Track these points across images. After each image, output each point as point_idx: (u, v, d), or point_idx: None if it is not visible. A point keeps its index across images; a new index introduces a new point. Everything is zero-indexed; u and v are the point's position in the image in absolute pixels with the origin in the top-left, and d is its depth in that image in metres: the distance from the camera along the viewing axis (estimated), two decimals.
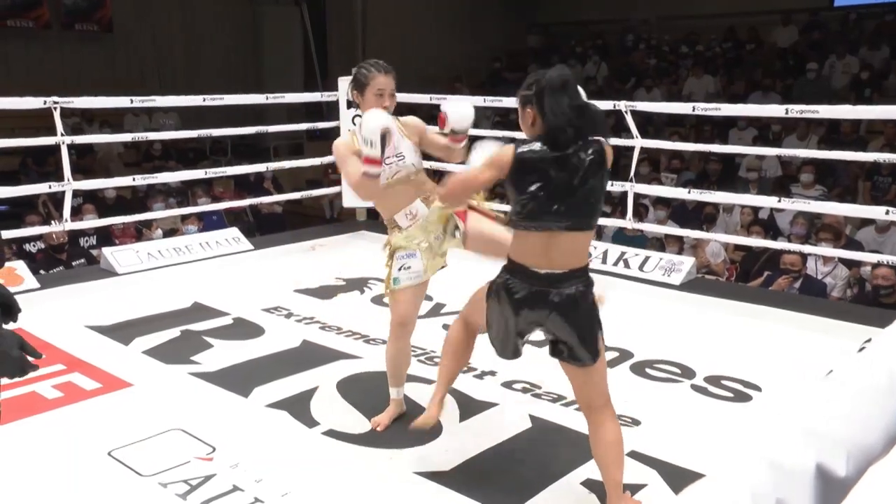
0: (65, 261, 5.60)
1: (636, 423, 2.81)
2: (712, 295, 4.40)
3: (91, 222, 5.65)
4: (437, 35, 13.07)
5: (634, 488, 2.38)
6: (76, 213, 5.74)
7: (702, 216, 6.60)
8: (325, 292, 4.40)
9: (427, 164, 3.74)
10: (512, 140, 2.21)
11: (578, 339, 2.12)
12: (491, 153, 2.21)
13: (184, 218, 6.48)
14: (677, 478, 2.44)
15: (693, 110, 4.95)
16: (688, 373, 3.29)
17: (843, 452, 1.15)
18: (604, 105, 5.43)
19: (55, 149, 4.75)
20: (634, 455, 2.57)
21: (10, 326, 1.61)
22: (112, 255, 4.77)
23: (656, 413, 2.90)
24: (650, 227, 5.56)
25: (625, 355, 3.47)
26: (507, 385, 3.12)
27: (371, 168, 2.51)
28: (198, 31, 12.02)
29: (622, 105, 4.88)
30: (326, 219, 9.15)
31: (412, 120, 2.80)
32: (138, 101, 5.07)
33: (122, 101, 5.04)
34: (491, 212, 2.71)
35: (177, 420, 2.76)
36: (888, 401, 1.33)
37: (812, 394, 1.31)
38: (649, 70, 11.44)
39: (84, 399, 2.95)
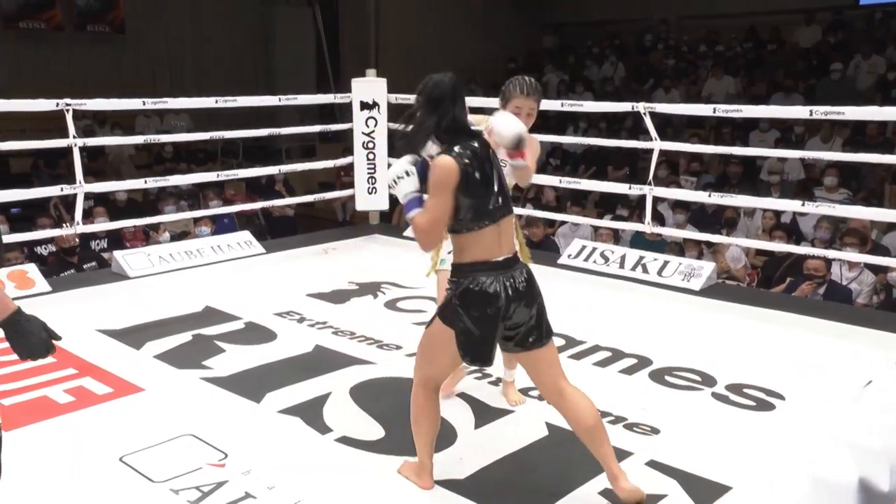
0: (76, 264, 5.66)
1: (655, 431, 2.80)
2: (733, 301, 4.37)
3: (102, 225, 5.71)
4: (451, 35, 13.10)
5: (654, 499, 2.37)
6: (87, 216, 5.80)
7: (722, 220, 6.55)
8: (337, 296, 4.41)
9: None
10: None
11: (538, 318, 2.25)
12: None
13: (196, 220, 6.53)
14: (698, 488, 2.42)
15: (714, 112, 4.92)
16: (708, 381, 3.26)
17: (885, 466, 1.14)
18: (621, 107, 5.44)
19: (66, 151, 4.80)
20: (654, 465, 2.56)
21: None
22: (123, 258, 4.81)
23: (676, 422, 2.88)
24: (669, 232, 5.54)
25: (644, 362, 3.46)
26: (524, 392, 3.10)
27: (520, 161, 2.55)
28: (209, 32, 12.12)
29: (640, 106, 4.87)
30: (339, 222, 9.19)
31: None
32: (150, 103, 5.12)
33: (134, 103, 5.09)
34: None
35: (188, 426, 2.77)
36: None
37: (843, 404, 1.29)
38: (668, 70, 11.40)
39: (95, 404, 2.97)
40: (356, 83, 5.95)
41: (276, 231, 7.50)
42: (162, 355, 3.47)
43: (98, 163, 9.44)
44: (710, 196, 5.16)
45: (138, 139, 7.18)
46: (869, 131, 8.07)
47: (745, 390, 3.16)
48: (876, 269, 5.21)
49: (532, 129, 2.76)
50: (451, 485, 2.43)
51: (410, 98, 7.03)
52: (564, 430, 2.78)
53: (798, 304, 4.52)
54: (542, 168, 8.17)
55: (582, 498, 2.39)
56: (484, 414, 2.90)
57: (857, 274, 5.24)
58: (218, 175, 5.92)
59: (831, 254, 4.83)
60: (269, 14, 12.59)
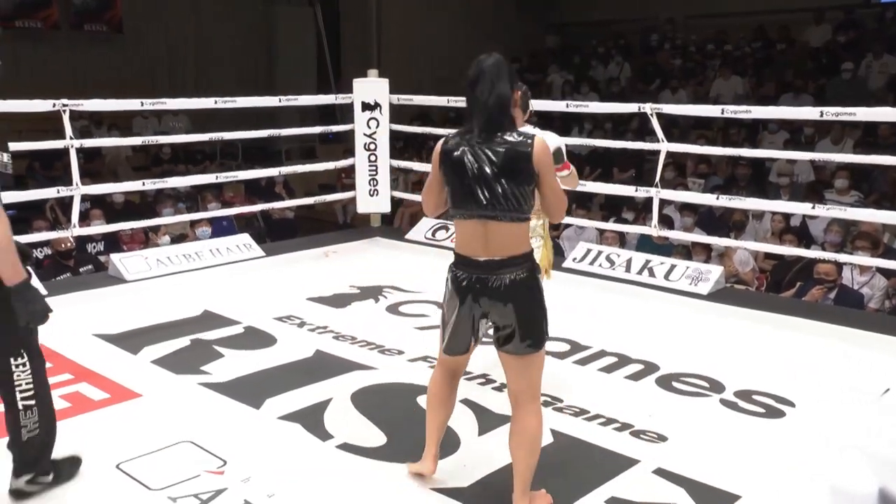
0: (72, 267, 5.67)
1: (662, 438, 2.79)
2: (742, 305, 4.36)
3: (99, 228, 5.72)
4: (453, 35, 13.11)
5: None
6: (84, 219, 5.81)
7: (730, 223, 6.54)
8: (338, 300, 4.42)
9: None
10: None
11: (519, 325, 2.23)
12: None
13: (193, 223, 6.53)
14: (706, 497, 2.42)
15: (722, 113, 4.93)
16: (717, 387, 3.26)
17: None
18: (627, 107, 5.44)
19: (62, 152, 4.82)
20: (661, 473, 2.55)
21: None
22: (120, 261, 4.82)
23: (683, 429, 2.88)
24: (676, 235, 5.53)
25: (650, 368, 3.45)
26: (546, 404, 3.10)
27: (564, 171, 3.01)
28: (209, 32, 12.15)
29: (647, 107, 4.88)
30: (340, 224, 9.20)
31: None
32: (148, 104, 5.14)
33: (132, 104, 5.11)
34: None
35: (187, 432, 2.78)
36: None
37: (858, 412, 1.29)
38: (675, 71, 11.39)
39: (92, 410, 2.98)
40: (358, 83, 5.97)
41: (275, 234, 7.50)
42: (160, 360, 3.48)
43: (95, 164, 9.46)
44: (717, 198, 5.16)
45: (136, 140, 7.19)
46: (881, 132, 8.05)
47: (755, 397, 3.16)
48: (888, 274, 5.20)
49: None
50: (454, 493, 2.43)
51: (413, 98, 7.05)
52: (569, 436, 2.79)
53: (808, 308, 4.51)
54: None
55: None
56: (488, 421, 2.90)
57: (869, 278, 5.23)
58: (217, 177, 5.93)
59: (842, 258, 4.83)
60: (270, 14, 12.63)
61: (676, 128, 8.87)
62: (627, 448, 2.71)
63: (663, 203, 5.15)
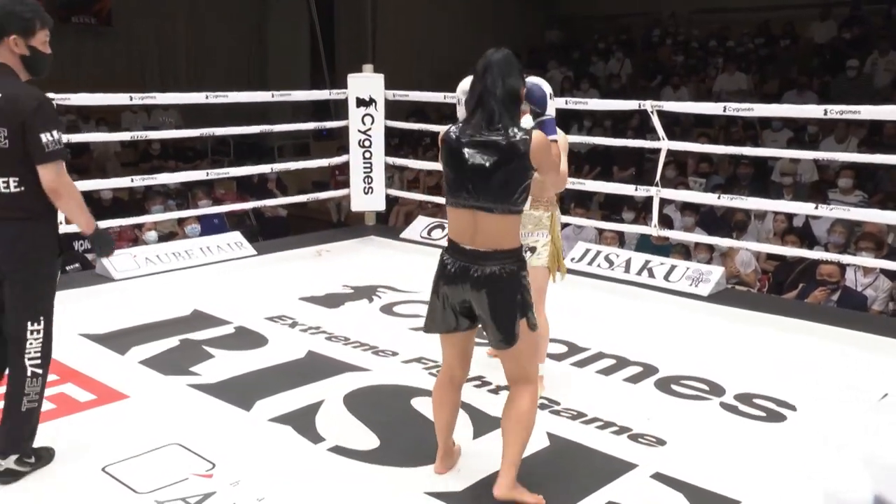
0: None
1: (661, 443, 2.80)
2: (743, 307, 4.38)
3: None
4: (451, 30, 13.11)
5: None
6: None
7: (732, 223, 6.56)
8: (331, 300, 4.42)
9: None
10: None
11: (492, 318, 2.31)
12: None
13: (180, 221, 6.52)
14: (705, 502, 2.43)
15: (724, 110, 4.94)
16: (717, 390, 3.27)
17: None
18: (628, 105, 5.44)
19: None
20: (659, 477, 2.56)
21: None
22: (108, 259, 4.81)
23: (683, 433, 2.89)
24: (676, 235, 5.54)
25: (649, 371, 3.46)
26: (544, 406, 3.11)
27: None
28: (201, 25, 12.14)
29: (648, 104, 4.88)
30: (333, 223, 9.20)
31: None
32: (138, 99, 5.13)
33: (120, 98, 5.10)
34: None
35: (175, 434, 2.78)
36: None
37: (867, 419, 1.30)
38: (677, 67, 11.40)
39: (77, 411, 2.97)
40: (352, 79, 5.97)
41: (267, 232, 7.50)
42: (148, 361, 3.48)
43: (82, 160, 9.45)
44: (719, 198, 5.17)
45: (125, 136, 7.19)
46: (886, 131, 8.07)
47: (755, 400, 3.17)
48: (892, 275, 5.22)
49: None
50: (448, 497, 2.44)
51: (409, 94, 7.05)
52: (566, 440, 2.80)
53: (810, 311, 4.53)
54: None
55: None
56: (483, 424, 2.91)
57: (873, 280, 5.24)
58: (207, 173, 5.93)
59: (846, 259, 4.84)
60: (263, 7, 12.62)
61: (678, 126, 8.88)
62: (625, 452, 2.72)
63: (664, 202, 5.16)
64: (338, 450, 2.71)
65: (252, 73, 12.47)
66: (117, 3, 11.39)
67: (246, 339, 3.78)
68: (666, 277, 4.73)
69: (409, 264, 5.23)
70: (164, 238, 6.31)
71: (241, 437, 2.81)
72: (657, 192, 4.94)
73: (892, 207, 6.50)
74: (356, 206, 6.15)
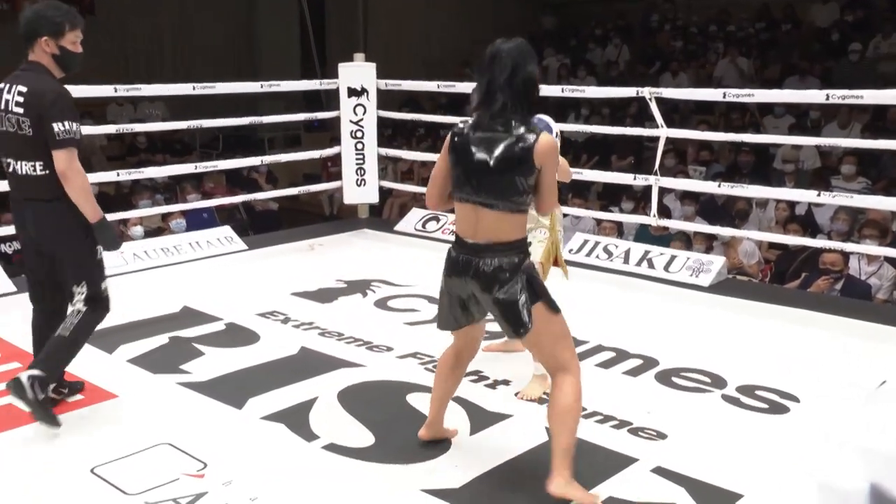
0: None
1: (662, 436, 2.81)
2: (744, 297, 4.39)
3: None
4: (444, 17, 13.08)
5: None
6: None
7: (733, 212, 6.57)
8: (324, 295, 4.41)
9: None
10: None
11: (497, 309, 2.34)
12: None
13: (165, 216, 6.48)
14: (707, 496, 2.44)
15: (724, 97, 4.94)
16: (718, 382, 3.28)
17: None
18: (625, 92, 5.44)
19: None
20: (660, 472, 2.57)
21: None
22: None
23: (684, 426, 2.90)
24: (676, 224, 5.55)
25: (650, 363, 3.47)
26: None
27: None
28: (188, 14, 12.08)
29: (646, 91, 4.88)
30: (326, 216, 9.19)
31: None
32: (123, 90, 5.11)
33: (105, 90, 5.07)
34: None
35: (165, 434, 2.77)
36: None
37: (857, 406, 1.30)
38: (675, 53, 11.39)
39: (65, 412, 2.96)
40: (343, 68, 5.94)
41: (258, 226, 7.48)
42: (136, 359, 3.47)
43: None
44: (719, 186, 5.17)
45: (110, 129, 7.12)
46: (890, 116, 8.07)
47: (758, 392, 3.18)
48: None
49: None
50: (444, 494, 2.44)
51: (401, 83, 7.02)
52: None
53: (813, 300, 4.54)
54: None
55: None
56: (480, 419, 2.91)
57: (877, 268, 5.26)
58: (196, 167, 5.91)
59: (849, 247, 4.85)
60: None
61: (677, 113, 8.88)
62: (626, 446, 2.73)
63: (663, 191, 5.16)
64: (332, 447, 2.71)
65: (241, 63, 12.42)
66: None
67: (237, 335, 3.78)
68: (666, 268, 4.74)
69: (404, 258, 5.23)
70: (150, 233, 6.29)
71: (233, 435, 2.81)
72: (656, 181, 4.95)
73: (895, 194, 6.53)
74: (349, 198, 6.14)
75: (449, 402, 2.70)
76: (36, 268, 2.94)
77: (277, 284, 4.57)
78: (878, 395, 1.35)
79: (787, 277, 5.52)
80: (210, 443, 2.72)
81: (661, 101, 4.91)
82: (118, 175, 5.57)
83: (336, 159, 6.31)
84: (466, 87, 6.09)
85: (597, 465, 2.60)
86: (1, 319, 3.90)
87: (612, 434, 2.82)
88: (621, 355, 3.56)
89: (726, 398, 3.15)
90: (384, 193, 7.29)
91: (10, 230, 5.25)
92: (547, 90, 6.15)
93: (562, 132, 3.23)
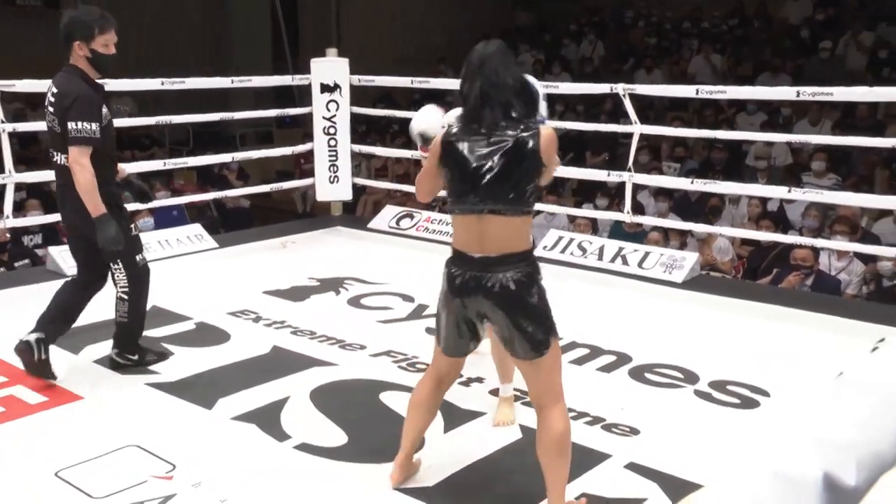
0: (6, 261, 5.55)
1: (635, 432, 2.84)
2: (717, 293, 4.44)
3: (36, 219, 5.58)
4: (418, 12, 13.05)
5: (633, 503, 2.41)
6: (19, 209, 5.68)
7: (706, 208, 6.64)
8: (296, 293, 4.39)
9: None
10: None
11: (516, 328, 2.22)
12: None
13: (132, 214, 6.39)
14: (680, 491, 2.45)
15: (697, 93, 4.99)
16: (691, 378, 3.32)
17: (852, 460, 1.18)
18: (599, 88, 5.47)
19: None
20: (633, 467, 2.59)
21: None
22: (60, 254, 4.72)
23: (657, 421, 2.93)
24: (650, 221, 5.60)
25: (623, 359, 3.50)
26: (496, 393, 3.12)
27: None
28: (156, 7, 11.90)
29: (620, 88, 4.91)
30: (298, 213, 9.13)
31: None
32: None
33: None
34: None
35: (132, 436, 2.74)
36: None
37: (820, 398, 1.33)
38: (650, 49, 11.49)
39: (28, 414, 2.92)
40: (316, 63, 5.91)
41: (230, 224, 7.43)
42: (103, 360, 3.42)
43: (30, 150, 9.23)
44: (692, 182, 5.22)
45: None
46: (859, 113, 8.22)
47: (729, 387, 3.22)
48: (866, 259, 5.33)
49: None
50: (418, 493, 2.44)
51: (374, 79, 6.99)
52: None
53: (785, 296, 4.61)
54: None
55: None
56: (453, 417, 2.92)
57: (847, 264, 5.35)
58: (165, 163, 5.86)
59: (820, 243, 4.93)
60: None
61: (651, 109, 8.95)
62: (599, 442, 2.75)
63: (638, 188, 5.20)
64: (304, 447, 2.70)
65: (211, 58, 12.27)
66: None
67: (207, 335, 3.75)
68: (640, 264, 4.78)
69: (377, 255, 5.22)
70: None
71: (203, 436, 2.79)
72: (630, 178, 4.98)
73: (865, 190, 6.66)
74: (322, 195, 6.11)
75: (425, 433, 2.53)
76: (73, 247, 3.34)
77: (249, 283, 4.53)
78: (834, 387, 1.39)
79: (760, 273, 5.60)
80: (179, 444, 2.70)
81: (635, 98, 4.95)
82: None
83: (309, 156, 6.27)
84: (441, 83, 6.12)
85: (571, 461, 2.61)
86: None
87: (586, 430, 2.85)
88: (595, 352, 3.58)
89: (699, 393, 3.19)
90: (358, 190, 7.27)
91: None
92: None
93: None
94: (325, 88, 5.84)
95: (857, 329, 3.90)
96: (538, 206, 6.60)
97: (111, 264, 3.21)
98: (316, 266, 4.88)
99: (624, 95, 4.90)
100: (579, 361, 3.50)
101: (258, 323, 3.93)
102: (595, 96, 9.26)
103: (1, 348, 3.48)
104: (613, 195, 6.72)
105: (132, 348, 3.34)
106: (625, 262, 4.84)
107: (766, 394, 3.17)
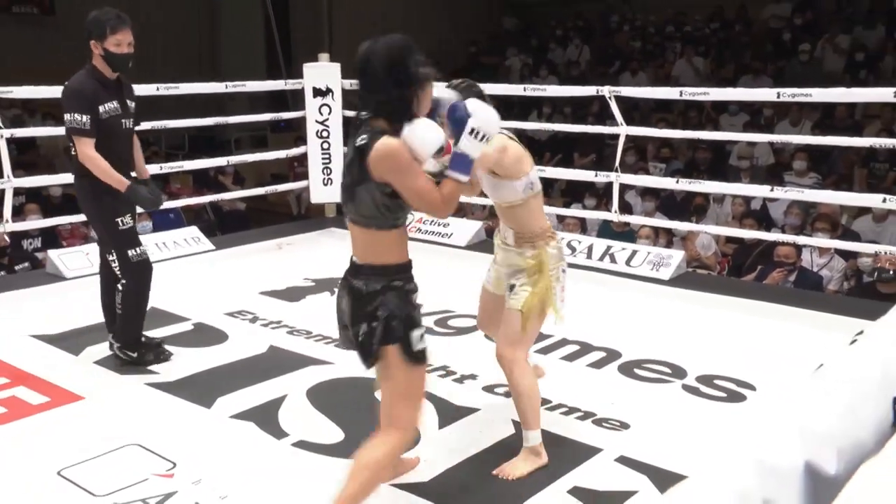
0: (6, 265, 5.50)
1: (625, 426, 2.85)
2: (703, 290, 4.46)
3: (35, 223, 5.55)
4: (409, 17, 13.03)
5: (624, 496, 2.42)
6: (18, 214, 5.64)
7: (691, 207, 6.67)
8: (292, 294, 4.38)
9: None
10: None
11: (355, 335, 2.10)
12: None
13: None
14: (669, 484, 2.46)
15: (681, 95, 5.01)
16: (679, 372, 3.33)
17: (832, 450, 1.19)
18: (586, 91, 5.49)
19: None
20: (623, 461, 2.60)
21: None
22: (59, 257, 4.70)
23: (646, 416, 2.94)
24: (637, 220, 5.62)
25: (612, 355, 3.51)
26: (489, 389, 3.13)
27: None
28: (150, 13, 11.84)
29: (606, 90, 4.93)
30: (293, 215, 9.11)
31: None
32: None
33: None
34: None
35: (133, 435, 2.73)
36: (881, 395, 1.36)
37: (801, 390, 1.34)
38: (634, 53, 11.52)
39: (30, 415, 2.91)
40: (308, 68, 5.90)
41: (226, 226, 7.39)
42: (103, 360, 3.41)
43: (29, 155, 9.19)
44: (677, 182, 5.25)
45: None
46: (838, 114, 8.28)
47: (716, 381, 3.24)
48: (846, 255, 5.37)
49: None
50: (414, 488, 2.44)
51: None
52: None
53: (769, 292, 4.63)
54: None
55: (549, 498, 2.41)
56: (448, 413, 2.92)
57: (828, 260, 5.38)
58: (161, 167, 5.80)
59: (801, 240, 4.96)
60: None
61: (637, 111, 8.99)
62: (590, 437, 2.76)
63: (625, 188, 5.22)
64: (302, 444, 2.70)
65: (204, 63, 12.24)
66: None
67: (205, 335, 3.74)
68: (627, 262, 4.79)
69: None
70: None
71: (203, 435, 2.78)
72: (617, 178, 5.00)
73: (845, 189, 6.70)
74: (316, 197, 6.10)
75: None
76: (98, 235, 3.49)
77: (246, 284, 4.52)
78: (814, 378, 1.40)
79: (744, 270, 5.62)
80: (179, 442, 2.69)
81: (621, 100, 4.96)
82: None
83: (302, 159, 6.26)
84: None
85: (562, 455, 2.62)
86: None
87: (577, 425, 2.85)
88: (585, 348, 3.59)
89: (686, 388, 3.20)
90: None
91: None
92: (510, 89, 6.20)
93: (525, 131, 3.10)
94: (318, 92, 5.83)
95: (839, 323, 3.91)
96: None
97: (108, 256, 3.30)
98: (311, 267, 4.87)
99: (610, 98, 4.91)
100: (570, 358, 3.50)
101: (255, 323, 3.92)
102: (582, 99, 9.29)
103: (3, 350, 3.47)
104: (601, 195, 6.74)
105: (132, 345, 3.33)
106: (613, 260, 4.85)
107: (752, 387, 3.18)
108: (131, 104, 3.40)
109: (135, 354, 3.32)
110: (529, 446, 2.53)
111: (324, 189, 5.99)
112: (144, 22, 11.72)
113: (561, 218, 6.32)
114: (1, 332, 3.69)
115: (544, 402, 3.02)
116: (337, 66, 5.89)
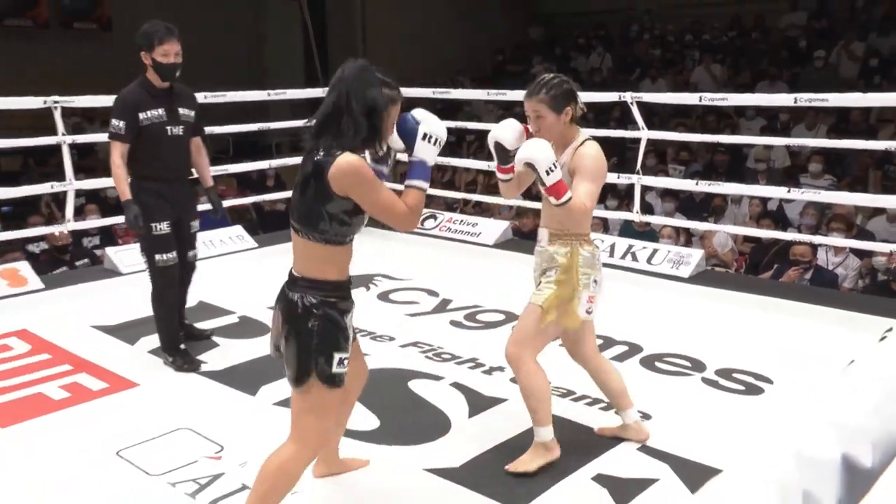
0: (68, 261, 5.62)
1: (646, 417, 2.81)
2: (722, 287, 4.39)
3: (94, 222, 5.66)
4: (439, 27, 13.04)
5: (646, 483, 2.39)
6: (79, 214, 5.76)
7: (710, 208, 6.58)
8: None
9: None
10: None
11: (284, 348, 2.00)
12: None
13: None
14: (689, 472, 2.44)
15: (700, 100, 4.94)
16: (698, 366, 3.29)
17: (868, 443, 1.16)
18: (608, 96, 5.44)
19: (56, 149, 4.76)
20: (645, 450, 2.58)
21: None
22: (115, 254, 4.78)
23: (667, 407, 2.90)
24: (658, 220, 5.55)
25: (634, 349, 3.48)
26: (515, 381, 3.11)
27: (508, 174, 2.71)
28: (198, 28, 12.00)
29: (627, 96, 4.88)
30: None
31: None
32: None
33: None
34: None
35: (184, 419, 2.77)
36: None
37: (835, 385, 1.32)
38: (654, 60, 11.40)
39: (91, 399, 2.97)
40: None
41: (267, 225, 7.46)
42: (156, 350, 3.46)
43: (88, 160, 9.35)
44: (697, 184, 5.18)
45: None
46: (852, 118, 8.11)
47: (735, 375, 3.19)
48: (861, 254, 5.26)
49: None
50: (445, 473, 2.45)
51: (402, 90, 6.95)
52: (557, 416, 2.79)
53: (785, 289, 4.55)
54: None
55: (574, 485, 2.40)
56: (477, 403, 2.92)
57: (843, 259, 5.28)
58: None
59: (817, 239, 4.87)
60: (258, 8, 12.53)
61: (657, 116, 8.89)
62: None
63: (645, 189, 5.16)
64: None
65: (249, 73, 12.38)
66: (116, 10, 11.28)
67: (250, 327, 3.77)
68: (649, 261, 4.74)
69: (404, 254, 5.22)
70: None
71: (248, 420, 2.81)
72: (638, 180, 4.95)
73: (859, 190, 6.56)
74: None
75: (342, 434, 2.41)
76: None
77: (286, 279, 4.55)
78: (847, 374, 1.37)
79: (761, 269, 5.54)
80: (226, 427, 2.72)
81: (641, 105, 4.91)
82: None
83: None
84: (460, 93, 6.12)
85: (587, 444, 2.61)
86: (30, 314, 3.89)
87: (601, 415, 2.83)
88: (608, 342, 3.56)
89: (706, 381, 3.16)
90: None
91: (36, 231, 5.24)
92: None
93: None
94: None
95: (854, 320, 3.84)
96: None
97: (143, 259, 3.35)
98: None
99: (631, 103, 4.86)
100: None
101: None
102: (604, 104, 9.20)
103: (65, 340, 3.54)
104: (623, 196, 6.68)
105: (169, 349, 3.29)
106: (634, 258, 4.80)
107: (769, 381, 3.13)
108: (185, 112, 3.38)
109: (171, 359, 3.27)
110: (540, 442, 2.47)
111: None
112: (197, 36, 11.94)
113: None
114: (64, 323, 3.76)
115: (569, 392, 3.01)
116: None
